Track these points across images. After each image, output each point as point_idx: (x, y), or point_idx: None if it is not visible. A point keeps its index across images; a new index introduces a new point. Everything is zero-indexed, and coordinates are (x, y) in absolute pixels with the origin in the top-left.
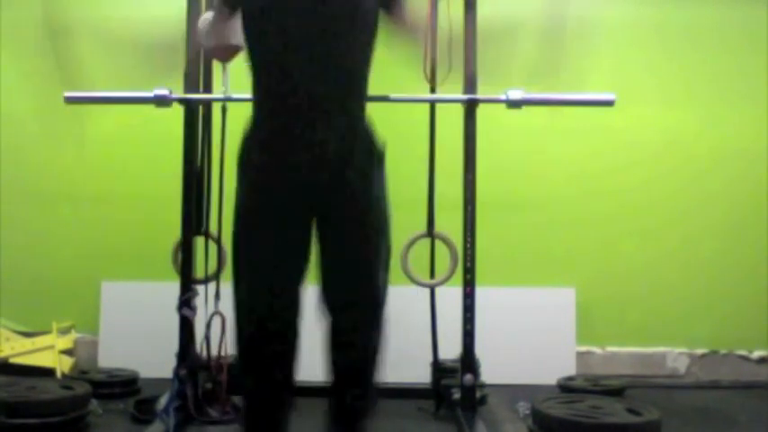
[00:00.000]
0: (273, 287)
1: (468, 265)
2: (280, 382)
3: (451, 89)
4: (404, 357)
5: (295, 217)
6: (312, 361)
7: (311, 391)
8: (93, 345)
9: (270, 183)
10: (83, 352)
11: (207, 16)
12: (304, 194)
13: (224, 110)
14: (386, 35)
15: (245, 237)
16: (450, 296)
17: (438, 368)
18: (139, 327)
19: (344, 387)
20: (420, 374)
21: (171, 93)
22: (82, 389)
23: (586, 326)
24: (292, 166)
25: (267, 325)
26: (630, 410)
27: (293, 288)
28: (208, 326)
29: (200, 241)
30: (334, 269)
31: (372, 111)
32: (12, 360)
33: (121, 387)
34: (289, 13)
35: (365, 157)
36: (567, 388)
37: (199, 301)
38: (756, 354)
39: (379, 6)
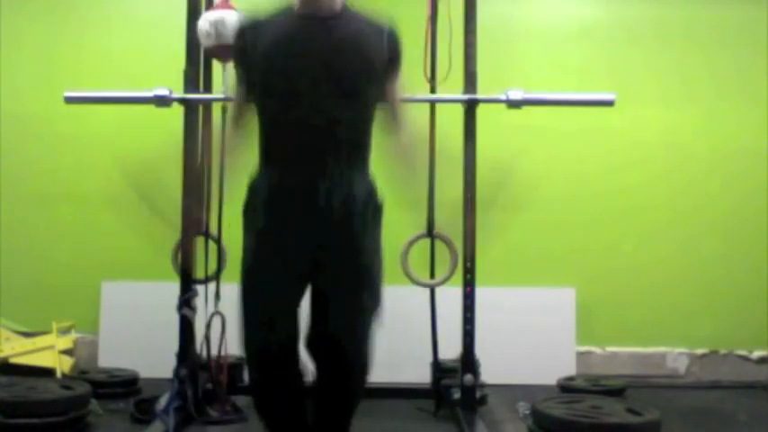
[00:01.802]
0: (280, 332)
1: (468, 265)
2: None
3: (451, 89)
4: (404, 357)
5: (297, 268)
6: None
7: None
8: (93, 345)
9: (273, 234)
10: (83, 352)
11: (207, 16)
12: (305, 248)
13: (224, 110)
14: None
15: (251, 287)
16: (451, 296)
17: (438, 368)
18: (139, 327)
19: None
20: (420, 374)
21: (171, 93)
22: (82, 389)
23: (586, 326)
24: (294, 221)
25: (275, 371)
26: (630, 410)
27: (295, 338)
28: (208, 326)
29: (200, 241)
30: (324, 325)
31: None
32: (12, 360)
33: (121, 387)
34: (297, 76)
35: (366, 216)
36: (567, 388)
37: (199, 301)
38: (756, 354)
39: (382, 78)
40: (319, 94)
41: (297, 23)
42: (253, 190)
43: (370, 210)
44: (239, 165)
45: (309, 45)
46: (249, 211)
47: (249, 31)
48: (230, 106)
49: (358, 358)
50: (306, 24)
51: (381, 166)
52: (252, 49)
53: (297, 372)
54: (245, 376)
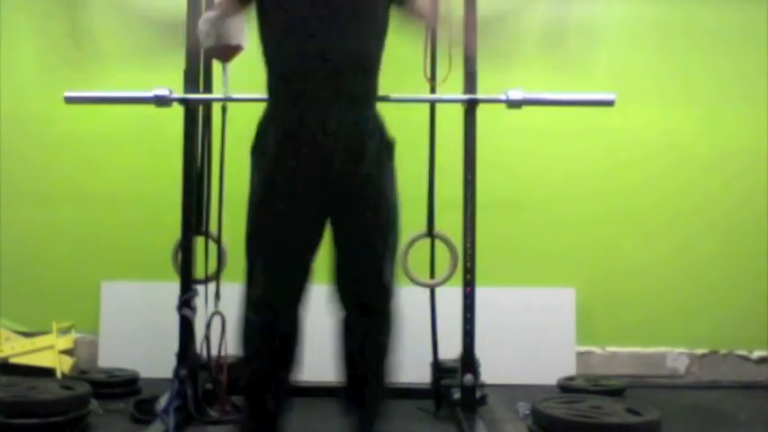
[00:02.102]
0: (286, 275)
1: (468, 265)
2: (281, 377)
3: (452, 89)
4: (404, 357)
5: (308, 205)
6: (313, 361)
7: (315, 391)
8: (93, 345)
9: (284, 172)
10: (83, 352)
11: (207, 16)
12: (318, 183)
13: (224, 110)
14: (397, 26)
15: (259, 234)
16: (451, 296)
17: (438, 368)
18: (139, 327)
19: (361, 390)
20: (420, 374)
21: (171, 93)
22: (82, 389)
23: (586, 326)
24: (306, 155)
25: (277, 312)
26: (630, 410)
27: (304, 278)
28: (208, 326)
29: (200, 241)
30: (346, 261)
31: None
32: (12, 360)
33: (121, 387)
34: (303, 5)
35: (377, 148)
36: (567, 388)
37: (199, 301)
38: (756, 354)
39: (390, 2)
40: (327, 22)
41: None
42: (261, 126)
43: (384, 147)
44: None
45: None
46: (258, 151)
47: None
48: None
49: (388, 292)
50: None
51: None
52: None
53: (296, 324)
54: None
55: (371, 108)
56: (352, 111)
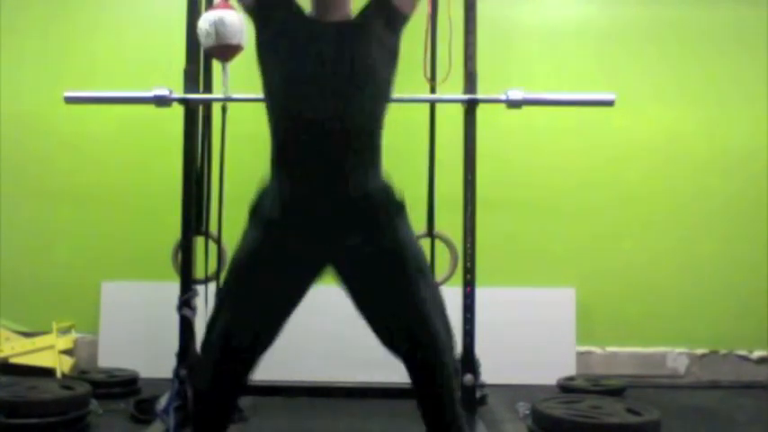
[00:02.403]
0: (253, 323)
1: (468, 265)
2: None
3: (452, 89)
4: None
5: (302, 270)
6: (312, 360)
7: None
8: (93, 345)
9: (277, 236)
10: (83, 352)
11: (207, 16)
12: (315, 252)
13: (224, 110)
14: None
15: (241, 279)
16: (451, 296)
17: None
18: (139, 327)
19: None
20: None
21: (171, 93)
22: (82, 389)
23: (586, 326)
24: (306, 224)
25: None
26: (630, 410)
27: (275, 327)
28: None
29: (200, 241)
30: (387, 324)
31: None
32: (12, 360)
33: (121, 387)
34: (309, 81)
35: (386, 212)
36: (567, 388)
37: (199, 301)
38: (756, 354)
39: (390, 71)
40: (333, 95)
41: (311, 28)
42: (262, 197)
43: (393, 207)
44: None
45: (322, 51)
46: (258, 210)
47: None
48: None
49: (446, 350)
50: (320, 29)
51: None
52: (266, 26)
53: (243, 379)
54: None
55: (377, 175)
56: (357, 180)
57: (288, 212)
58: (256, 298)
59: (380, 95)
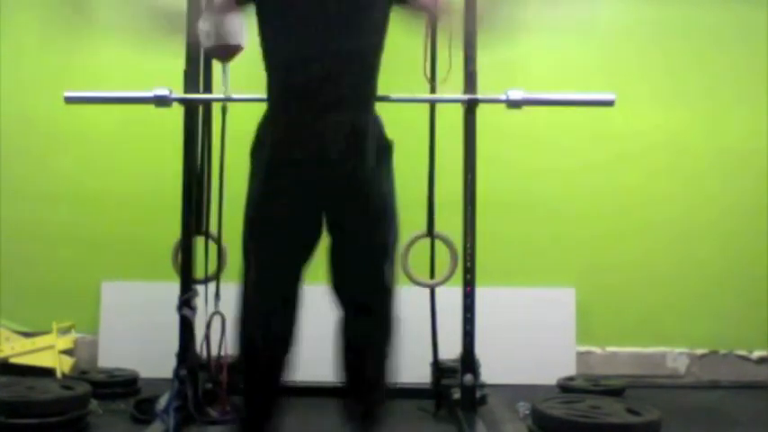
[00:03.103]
0: (282, 277)
1: (468, 265)
2: (276, 380)
3: (452, 89)
4: (404, 357)
5: (305, 207)
6: (312, 361)
7: (313, 391)
8: (93, 345)
9: (282, 173)
10: (83, 352)
11: (207, 16)
12: (314, 186)
13: (224, 110)
14: (398, 22)
15: (256, 225)
16: (451, 296)
17: (438, 368)
18: (139, 327)
19: (360, 392)
20: (420, 374)
21: (171, 93)
22: (82, 389)
23: (586, 326)
24: (304, 159)
25: (270, 321)
26: (630, 410)
27: (299, 276)
28: (208, 326)
29: (200, 241)
30: (343, 264)
31: None
32: (12, 360)
33: (121, 387)
34: (302, 11)
35: (374, 151)
36: (567, 388)
37: (199, 301)
38: (756, 354)
39: (390, 4)
40: (326, 24)
41: None
42: (261, 130)
43: (382, 149)
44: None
45: None
46: (257, 151)
47: None
48: None
49: (387, 293)
50: None
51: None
52: None
53: (292, 318)
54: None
55: (370, 109)
56: (350, 112)
57: (285, 140)
58: (281, 233)
59: (375, 29)
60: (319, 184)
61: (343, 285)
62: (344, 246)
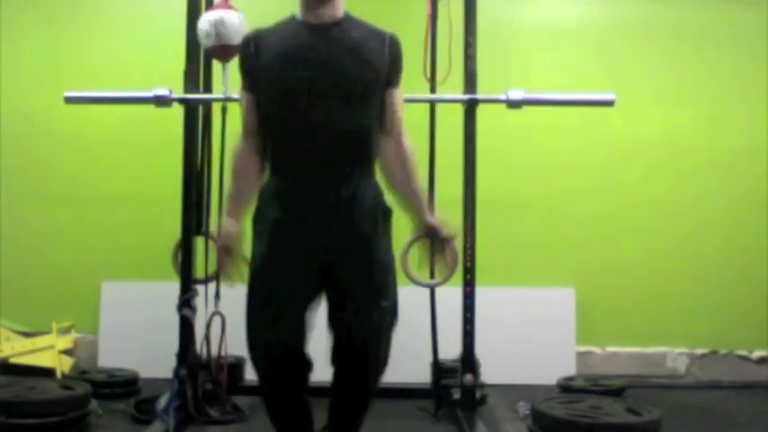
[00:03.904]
0: (286, 339)
1: (468, 265)
2: (300, 411)
3: (452, 89)
4: (404, 357)
5: (306, 272)
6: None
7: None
8: (93, 345)
9: (283, 238)
10: (83, 352)
11: (207, 16)
12: (315, 252)
13: (224, 110)
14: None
15: (260, 289)
16: (451, 296)
17: (438, 368)
18: (139, 327)
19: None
20: (420, 374)
21: (171, 93)
22: (82, 389)
23: (586, 326)
24: (304, 225)
25: (283, 369)
26: (630, 410)
27: (302, 340)
28: (208, 326)
29: (200, 241)
30: (341, 329)
31: None
32: (12, 360)
33: (121, 387)
34: (300, 83)
35: (375, 219)
36: (567, 388)
37: (199, 301)
38: (756, 354)
39: (384, 85)
40: (323, 101)
41: (300, 31)
42: (262, 198)
43: (380, 213)
44: (257, 177)
45: (312, 52)
46: (259, 218)
47: (253, 41)
48: (241, 121)
49: (378, 360)
50: (309, 32)
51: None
52: (256, 59)
53: (303, 374)
54: (246, 376)
55: (370, 179)
56: (350, 183)
57: (285, 212)
58: (284, 301)
59: (373, 112)
60: (320, 247)
61: (341, 343)
62: (344, 309)
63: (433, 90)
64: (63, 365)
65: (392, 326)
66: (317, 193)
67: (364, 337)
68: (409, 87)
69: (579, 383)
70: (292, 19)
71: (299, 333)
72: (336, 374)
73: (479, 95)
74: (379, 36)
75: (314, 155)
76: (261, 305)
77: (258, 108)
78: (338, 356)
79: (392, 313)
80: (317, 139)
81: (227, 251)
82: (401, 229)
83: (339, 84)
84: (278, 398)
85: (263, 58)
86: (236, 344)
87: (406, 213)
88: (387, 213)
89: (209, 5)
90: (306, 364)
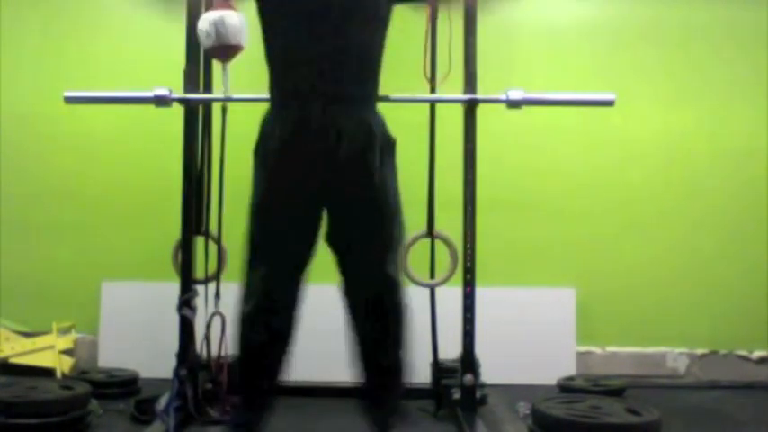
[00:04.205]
0: (284, 274)
1: (468, 265)
2: (272, 379)
3: (452, 89)
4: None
5: (311, 200)
6: (312, 360)
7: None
8: (93, 345)
9: (285, 169)
10: (83, 352)
11: (207, 16)
12: (318, 182)
13: (224, 110)
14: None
15: (260, 221)
16: (451, 296)
17: (438, 368)
18: (139, 327)
19: (380, 384)
20: (420, 374)
21: (171, 93)
22: (82, 389)
23: (586, 326)
24: (307, 154)
25: (275, 306)
26: (630, 410)
27: (303, 274)
28: (208, 326)
29: (200, 241)
30: (350, 257)
31: None
32: (12, 360)
33: (121, 387)
34: (304, 9)
35: (377, 146)
36: (567, 388)
37: (199, 301)
38: (756, 354)
39: (391, 2)
40: (327, 20)
41: None
42: (264, 128)
43: (384, 144)
44: None
45: None
46: (260, 148)
47: None
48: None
49: (397, 287)
50: None
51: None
52: None
53: (289, 329)
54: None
55: (373, 107)
56: (353, 109)
57: (290, 138)
58: (285, 229)
59: (377, 27)
60: (324, 181)
61: (351, 282)
62: (350, 242)
63: (433, 90)
64: (63, 365)
65: (399, 254)
66: (321, 119)
67: (377, 268)
68: (409, 87)
69: (579, 383)
70: None
71: (299, 278)
72: (359, 318)
73: (479, 95)
74: None
75: (317, 79)
76: (263, 243)
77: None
78: (351, 294)
79: (400, 243)
80: (321, 61)
81: None
82: (405, 224)
83: (344, 1)
84: (259, 328)
85: None
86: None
87: None
88: (391, 146)
89: (210, 5)
90: (294, 316)
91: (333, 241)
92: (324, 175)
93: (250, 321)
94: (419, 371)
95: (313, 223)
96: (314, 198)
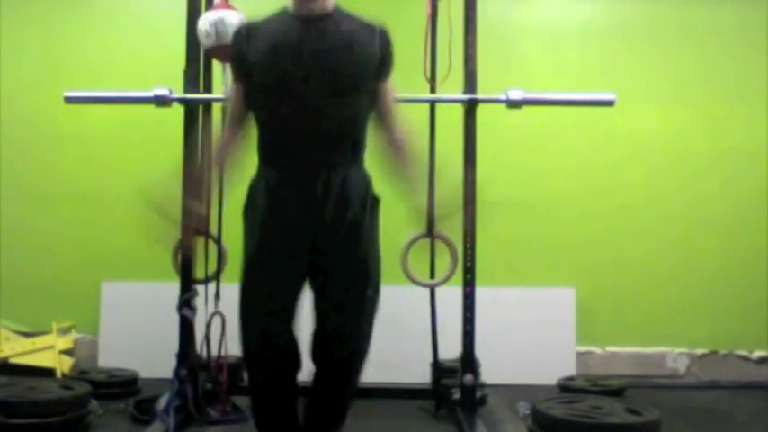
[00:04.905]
0: (277, 320)
1: (468, 265)
2: (289, 414)
3: (452, 89)
4: (404, 357)
5: (296, 263)
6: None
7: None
8: (93, 345)
9: (273, 228)
10: (83, 352)
11: (207, 16)
12: (304, 241)
13: (224, 110)
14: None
15: (252, 276)
16: (451, 296)
17: (438, 368)
18: (139, 327)
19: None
20: (420, 374)
21: (171, 93)
22: (82, 389)
23: (586, 326)
24: (293, 214)
25: (276, 364)
26: (630, 410)
27: (293, 317)
28: (208, 326)
29: (200, 241)
30: (324, 316)
31: None
32: (12, 360)
33: (121, 387)
34: (290, 75)
35: (363, 209)
36: (567, 388)
37: (199, 301)
38: (756, 354)
39: (375, 78)
40: (313, 93)
41: (291, 24)
42: (252, 190)
43: (368, 203)
44: (237, 163)
45: (303, 45)
46: (249, 210)
47: (245, 33)
48: (229, 107)
49: (359, 351)
50: (299, 25)
51: (377, 165)
52: (247, 51)
53: (293, 368)
54: (246, 376)
55: (359, 168)
56: (339, 172)
57: (277, 198)
58: (277, 296)
59: (362, 102)
60: (313, 238)
61: (320, 340)
62: (325, 297)
63: (433, 90)
64: (63, 365)
65: (373, 315)
66: (306, 181)
67: (345, 323)
68: (409, 87)
69: (579, 383)
70: (284, 11)
71: (291, 325)
72: (317, 366)
73: (479, 95)
74: (369, 29)
75: (303, 145)
76: (254, 300)
77: (246, 99)
78: (318, 345)
79: (374, 303)
80: (306, 129)
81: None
82: (401, 228)
83: (329, 76)
84: (269, 397)
85: (253, 49)
86: (236, 344)
87: (405, 201)
88: (374, 202)
89: (210, 5)
90: (297, 361)
91: (316, 292)
92: (311, 234)
93: (256, 365)
94: (419, 371)
95: (302, 275)
96: (302, 254)
